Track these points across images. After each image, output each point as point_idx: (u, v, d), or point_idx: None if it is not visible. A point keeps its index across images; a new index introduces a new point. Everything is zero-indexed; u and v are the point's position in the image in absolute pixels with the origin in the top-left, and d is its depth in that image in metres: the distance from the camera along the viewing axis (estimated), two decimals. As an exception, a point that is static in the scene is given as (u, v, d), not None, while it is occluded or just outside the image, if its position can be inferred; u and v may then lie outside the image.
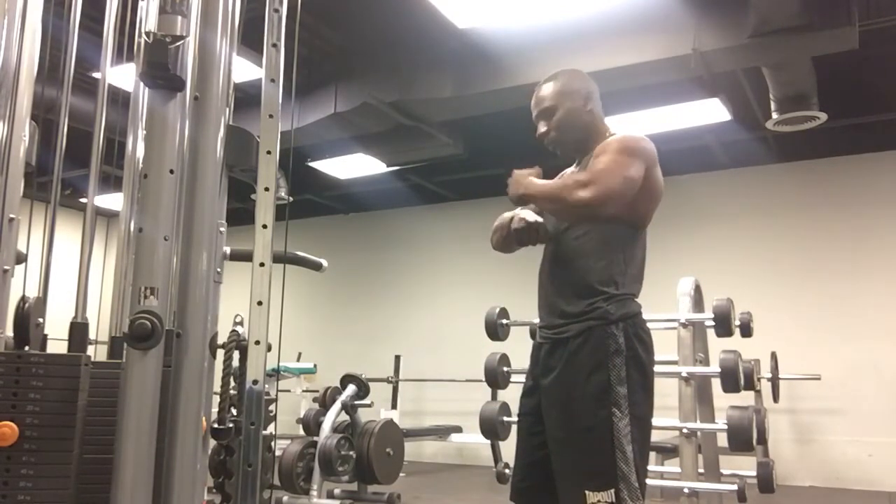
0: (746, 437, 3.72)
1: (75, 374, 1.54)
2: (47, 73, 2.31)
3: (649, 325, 2.03)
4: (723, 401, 4.11)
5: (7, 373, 1.51)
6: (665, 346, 2.99)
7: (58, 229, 2.34)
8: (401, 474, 4.43)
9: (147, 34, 1.44)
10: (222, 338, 1.50)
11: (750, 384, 4.15)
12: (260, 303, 1.43)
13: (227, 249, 1.60)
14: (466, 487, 6.88)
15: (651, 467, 3.95)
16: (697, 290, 4.36)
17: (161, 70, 1.44)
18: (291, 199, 7.26)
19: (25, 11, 1.94)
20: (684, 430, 3.88)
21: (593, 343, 1.92)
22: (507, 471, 4.40)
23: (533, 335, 2.42)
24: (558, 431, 1.94)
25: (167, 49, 1.43)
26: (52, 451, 1.50)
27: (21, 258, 2.13)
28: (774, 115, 5.47)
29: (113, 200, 4.03)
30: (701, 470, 4.04)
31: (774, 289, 7.18)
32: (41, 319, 1.89)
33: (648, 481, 2.02)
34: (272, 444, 1.61)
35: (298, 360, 7.90)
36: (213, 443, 1.51)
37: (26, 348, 1.77)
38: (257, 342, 1.42)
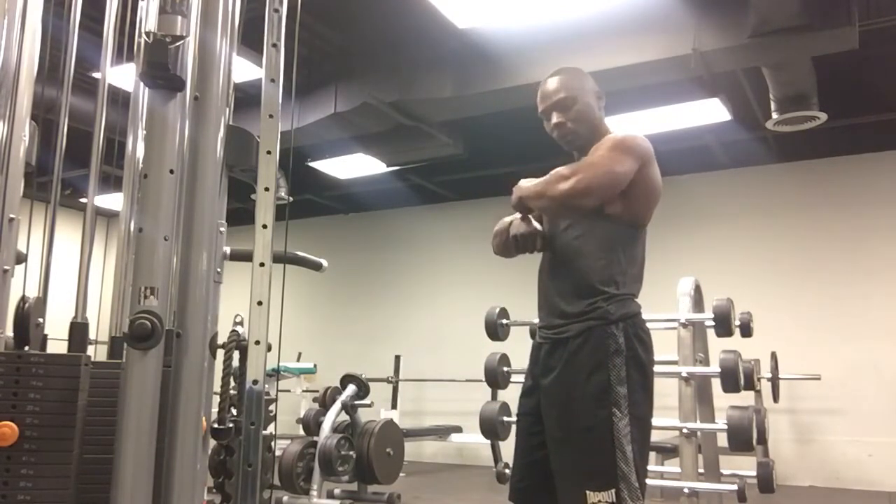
0: (746, 437, 3.71)
1: (75, 374, 1.55)
2: (47, 73, 2.31)
3: (649, 325, 2.03)
4: (723, 401, 4.11)
5: (7, 373, 1.51)
6: (665, 346, 2.99)
7: (58, 229, 2.34)
8: (401, 474, 4.43)
9: (147, 34, 1.44)
10: (222, 338, 1.50)
11: (750, 384, 4.15)
12: (260, 303, 1.44)
13: (227, 249, 1.60)
14: (466, 487, 6.88)
15: (651, 467, 3.95)
16: (697, 290, 4.36)
17: (161, 70, 1.44)
18: (291, 199, 7.26)
19: (25, 11, 1.95)
20: (684, 430, 3.88)
21: (593, 343, 1.92)
22: (506, 471, 4.40)
23: (533, 335, 2.42)
24: (558, 431, 1.94)
25: (167, 49, 1.43)
26: (52, 451, 1.50)
27: (21, 258, 2.13)
28: (774, 115, 5.47)
29: (113, 200, 4.04)
30: (701, 470, 4.03)
31: (774, 289, 7.18)
32: (41, 319, 1.89)
33: (648, 481, 2.02)
34: (272, 444, 1.61)
35: (298, 360, 7.89)
36: (213, 443, 1.51)
37: (26, 348, 1.78)
38: (257, 342, 1.42)
